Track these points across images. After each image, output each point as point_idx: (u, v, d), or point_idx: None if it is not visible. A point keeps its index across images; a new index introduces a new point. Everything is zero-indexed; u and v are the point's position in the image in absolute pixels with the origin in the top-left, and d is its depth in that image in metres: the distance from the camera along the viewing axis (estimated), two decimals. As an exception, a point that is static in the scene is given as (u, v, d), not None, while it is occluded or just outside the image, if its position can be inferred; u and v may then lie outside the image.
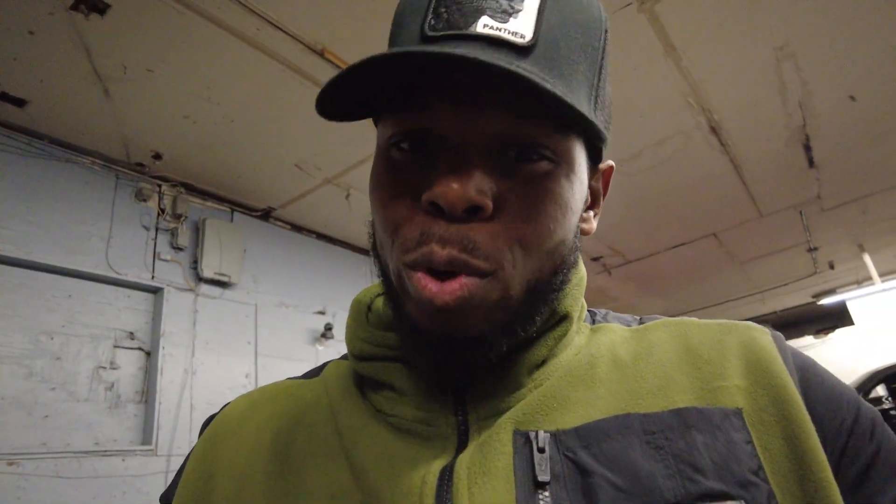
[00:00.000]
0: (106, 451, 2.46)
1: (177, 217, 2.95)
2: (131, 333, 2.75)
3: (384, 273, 0.44)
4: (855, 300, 6.33)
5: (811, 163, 3.21)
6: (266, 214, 3.36)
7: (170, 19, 1.93)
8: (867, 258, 4.92)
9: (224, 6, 1.91)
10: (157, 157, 2.71)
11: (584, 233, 0.47)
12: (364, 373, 0.48)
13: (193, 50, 2.08)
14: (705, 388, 0.42)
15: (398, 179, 0.41)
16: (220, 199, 3.17)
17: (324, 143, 2.71)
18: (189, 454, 0.51)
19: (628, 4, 2.04)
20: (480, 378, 0.44)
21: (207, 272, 2.98)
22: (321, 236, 3.68)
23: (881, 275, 5.32)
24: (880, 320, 6.46)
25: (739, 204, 3.68)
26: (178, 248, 2.96)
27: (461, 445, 0.41)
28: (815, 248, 4.49)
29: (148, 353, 2.78)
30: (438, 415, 0.43)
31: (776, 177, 3.36)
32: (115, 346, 2.68)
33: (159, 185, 2.90)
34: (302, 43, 2.10)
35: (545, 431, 0.39)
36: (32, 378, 2.39)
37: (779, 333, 0.46)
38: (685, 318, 0.49)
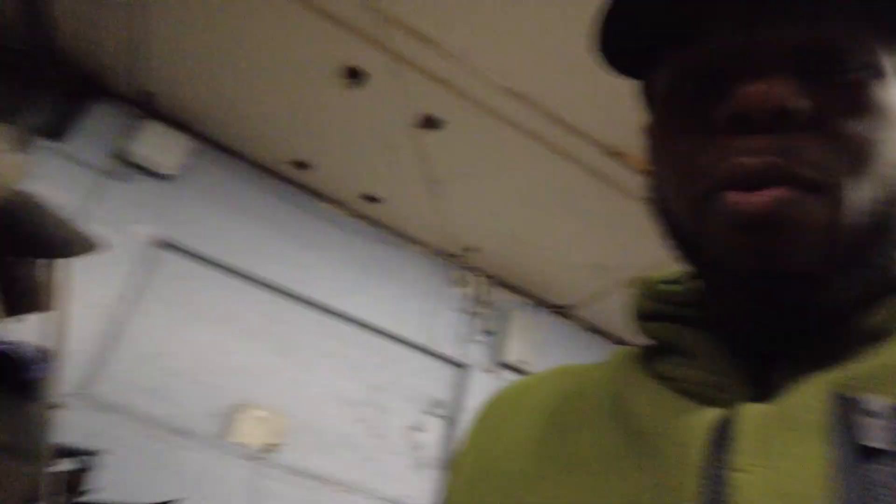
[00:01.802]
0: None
1: (487, 305, 3.31)
2: (439, 402, 3.12)
3: (673, 229, 0.38)
4: None
5: None
6: (565, 311, 3.51)
7: (492, 133, 2.32)
8: None
9: (534, 118, 2.20)
10: (474, 250, 3.13)
11: None
12: (649, 334, 0.43)
13: (509, 158, 2.44)
14: None
15: (688, 118, 0.36)
16: (525, 294, 3.45)
17: (622, 245, 2.78)
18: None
19: None
20: (792, 346, 0.35)
21: (509, 357, 3.23)
22: (615, 339, 3.64)
23: None
24: None
25: None
26: (486, 333, 3.30)
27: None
28: None
29: (451, 423, 3.10)
30: (732, 381, 0.36)
31: None
32: (424, 412, 3.07)
33: (475, 275, 3.33)
34: (601, 146, 2.25)
35: (882, 399, 0.29)
36: (362, 423, 2.89)
37: None
38: None
